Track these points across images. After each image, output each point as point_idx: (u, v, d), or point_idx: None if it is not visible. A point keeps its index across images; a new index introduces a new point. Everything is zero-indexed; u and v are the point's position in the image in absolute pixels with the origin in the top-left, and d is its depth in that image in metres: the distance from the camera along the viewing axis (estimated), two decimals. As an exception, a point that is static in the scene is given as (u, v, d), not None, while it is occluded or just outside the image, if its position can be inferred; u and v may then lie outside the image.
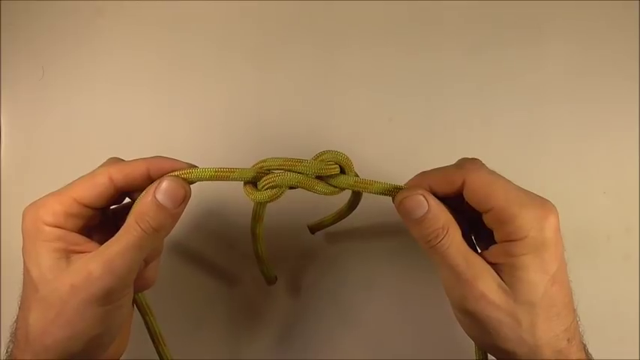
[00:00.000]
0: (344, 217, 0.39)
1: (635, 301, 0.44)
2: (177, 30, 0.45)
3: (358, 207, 0.37)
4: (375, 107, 0.45)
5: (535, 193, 0.30)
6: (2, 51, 0.45)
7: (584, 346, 0.31)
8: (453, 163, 0.33)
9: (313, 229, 0.42)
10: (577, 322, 0.31)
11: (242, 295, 0.45)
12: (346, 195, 0.36)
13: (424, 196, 0.30)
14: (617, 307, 0.44)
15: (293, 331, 0.45)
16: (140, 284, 0.34)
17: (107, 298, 0.29)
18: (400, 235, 0.44)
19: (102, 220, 0.33)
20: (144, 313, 0.37)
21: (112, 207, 0.34)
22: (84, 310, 0.29)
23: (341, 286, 0.45)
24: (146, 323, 0.37)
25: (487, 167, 0.31)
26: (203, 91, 0.45)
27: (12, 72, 0.45)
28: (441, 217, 0.30)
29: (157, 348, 0.38)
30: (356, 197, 0.37)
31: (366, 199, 0.36)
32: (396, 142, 0.45)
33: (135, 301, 0.36)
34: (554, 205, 0.30)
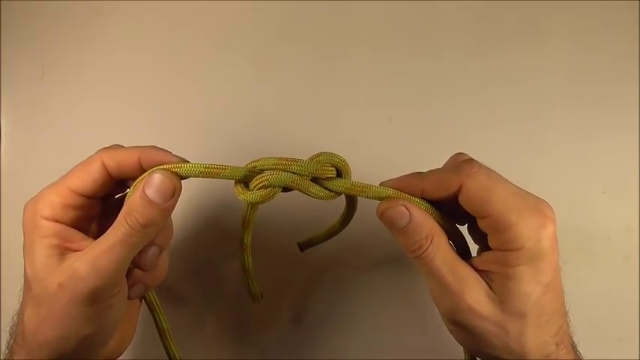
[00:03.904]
0: (336, 234, 0.36)
1: (635, 301, 0.44)
2: (177, 29, 0.45)
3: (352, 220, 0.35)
4: (375, 107, 0.45)
5: (533, 193, 0.30)
6: (2, 51, 0.44)
7: (574, 346, 0.31)
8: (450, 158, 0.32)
9: (303, 246, 0.39)
10: (567, 324, 0.30)
11: (237, 301, 0.45)
12: (338, 210, 0.35)
13: (406, 207, 0.30)
14: (617, 307, 0.44)
15: (291, 340, 0.45)
16: (149, 279, 0.34)
17: (94, 297, 0.28)
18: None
19: (104, 210, 0.32)
20: (152, 309, 0.37)
21: (117, 196, 0.34)
22: (72, 310, 0.28)
23: (337, 298, 0.45)
24: (155, 320, 0.37)
25: (485, 168, 0.30)
26: (202, 91, 0.45)
27: (12, 72, 0.45)
28: (425, 227, 0.30)
29: (164, 345, 0.38)
30: (349, 212, 0.35)
31: (360, 210, 0.35)
32: (396, 142, 0.45)
33: (144, 298, 0.36)
34: (551, 209, 0.29)
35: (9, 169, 0.45)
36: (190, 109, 0.45)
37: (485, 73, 0.45)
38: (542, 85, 0.45)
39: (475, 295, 0.29)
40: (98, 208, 0.32)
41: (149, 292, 0.36)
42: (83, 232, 0.31)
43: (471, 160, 0.31)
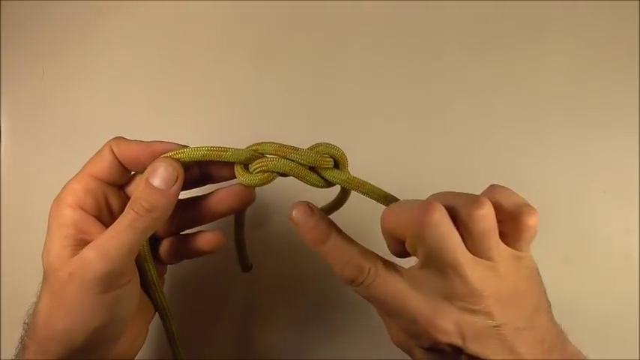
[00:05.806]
0: None
1: (635, 301, 0.44)
2: (177, 29, 0.45)
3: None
4: (375, 107, 0.45)
5: (529, 201, 0.28)
6: (2, 51, 0.45)
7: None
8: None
9: None
10: None
11: (240, 293, 0.45)
12: (331, 195, 0.35)
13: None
14: (617, 307, 0.44)
15: (295, 330, 0.45)
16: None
17: (102, 284, 0.29)
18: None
19: (125, 202, 0.33)
20: (162, 314, 0.36)
21: None
22: (81, 299, 0.29)
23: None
24: (164, 325, 0.37)
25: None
26: (203, 90, 0.45)
27: (12, 72, 0.45)
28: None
29: (173, 351, 0.37)
30: (341, 199, 0.35)
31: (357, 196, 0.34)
32: (396, 142, 0.45)
33: (156, 306, 0.36)
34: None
35: (9, 169, 0.45)
36: (191, 108, 0.45)
37: (485, 73, 0.45)
38: (543, 84, 0.45)
39: (394, 331, 0.31)
40: (120, 200, 0.33)
41: (160, 296, 0.36)
42: (104, 225, 0.31)
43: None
